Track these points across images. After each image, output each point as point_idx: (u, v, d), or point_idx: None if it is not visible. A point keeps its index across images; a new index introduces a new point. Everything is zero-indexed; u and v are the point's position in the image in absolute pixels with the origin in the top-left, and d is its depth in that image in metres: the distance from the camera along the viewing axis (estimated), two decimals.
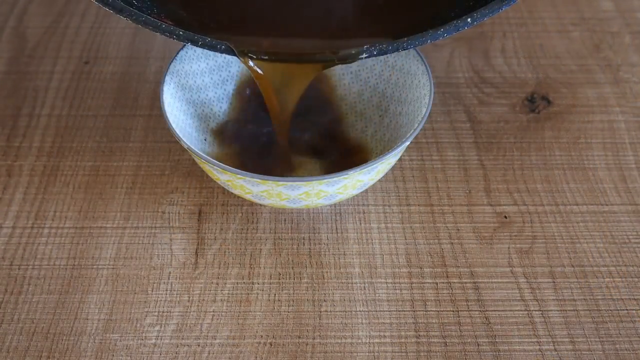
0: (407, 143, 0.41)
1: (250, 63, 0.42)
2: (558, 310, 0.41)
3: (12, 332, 0.40)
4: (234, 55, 0.41)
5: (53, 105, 0.52)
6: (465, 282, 0.42)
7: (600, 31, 0.58)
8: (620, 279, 0.43)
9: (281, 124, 0.45)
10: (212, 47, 0.41)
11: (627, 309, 0.41)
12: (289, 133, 0.45)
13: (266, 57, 0.41)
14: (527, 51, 0.56)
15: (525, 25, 0.58)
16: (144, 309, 0.41)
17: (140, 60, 0.55)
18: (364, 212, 0.46)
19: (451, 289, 0.42)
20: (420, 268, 0.43)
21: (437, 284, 0.42)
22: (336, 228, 0.45)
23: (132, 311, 0.41)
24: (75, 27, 0.59)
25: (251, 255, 0.44)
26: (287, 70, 0.43)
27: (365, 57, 0.40)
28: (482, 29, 0.58)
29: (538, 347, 0.40)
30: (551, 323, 0.41)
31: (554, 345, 0.40)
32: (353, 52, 0.40)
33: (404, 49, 0.40)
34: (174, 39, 0.40)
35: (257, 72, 0.42)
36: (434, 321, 0.41)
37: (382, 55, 0.40)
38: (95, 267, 0.43)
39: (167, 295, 0.42)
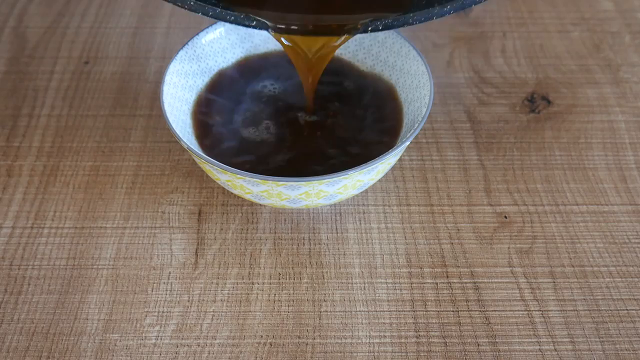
0: (407, 143, 0.41)
1: (282, 39, 0.44)
2: (558, 310, 0.41)
3: (12, 332, 0.40)
4: (266, 29, 0.42)
5: (53, 105, 0.52)
6: (465, 282, 0.42)
7: (600, 31, 0.58)
8: (620, 279, 0.43)
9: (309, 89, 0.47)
10: (242, 23, 0.42)
11: (627, 309, 0.41)
12: (314, 94, 0.47)
13: (293, 29, 0.43)
14: (527, 51, 0.56)
15: (525, 25, 0.58)
16: (144, 309, 0.41)
17: (140, 60, 0.55)
18: (364, 212, 0.46)
19: (451, 289, 0.42)
20: (420, 268, 0.43)
21: (437, 284, 0.42)
22: (336, 228, 0.45)
23: (132, 311, 0.41)
24: (75, 27, 0.59)
25: (251, 255, 0.44)
26: (311, 41, 0.44)
27: (371, 31, 0.42)
28: (482, 29, 0.58)
29: (538, 347, 0.40)
30: (551, 323, 0.41)
31: (554, 345, 0.40)
32: (359, 25, 0.41)
33: (410, 25, 0.41)
34: (208, 16, 0.41)
35: (287, 44, 0.44)
36: (434, 321, 0.41)
37: (388, 29, 0.42)
38: (95, 267, 0.43)
39: (167, 295, 0.42)
